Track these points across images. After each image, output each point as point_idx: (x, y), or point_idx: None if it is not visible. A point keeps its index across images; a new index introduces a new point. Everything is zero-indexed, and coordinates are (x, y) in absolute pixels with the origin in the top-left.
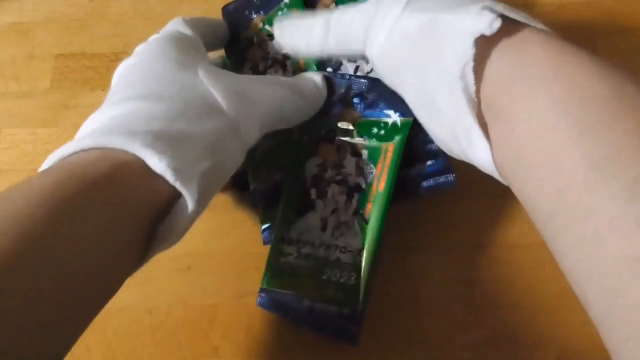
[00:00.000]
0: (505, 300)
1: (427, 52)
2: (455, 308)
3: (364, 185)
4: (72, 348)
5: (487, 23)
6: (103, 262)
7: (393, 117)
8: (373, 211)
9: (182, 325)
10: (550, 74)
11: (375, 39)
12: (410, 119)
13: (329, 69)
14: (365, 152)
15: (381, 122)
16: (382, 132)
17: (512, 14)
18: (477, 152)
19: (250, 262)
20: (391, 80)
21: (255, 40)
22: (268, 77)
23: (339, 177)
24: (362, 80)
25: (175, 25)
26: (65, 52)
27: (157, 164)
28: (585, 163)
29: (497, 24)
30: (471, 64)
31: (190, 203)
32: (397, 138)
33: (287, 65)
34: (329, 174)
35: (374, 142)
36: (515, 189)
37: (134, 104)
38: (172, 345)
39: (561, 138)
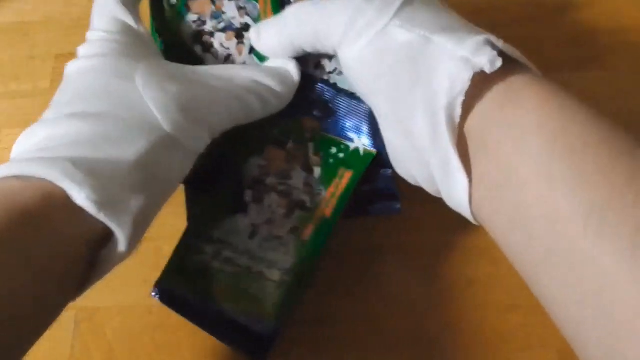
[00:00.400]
0: (504, 300)
1: (413, 71)
2: (454, 308)
3: (309, 205)
4: (72, 347)
5: (489, 60)
6: (29, 302)
7: (356, 142)
8: (314, 236)
9: (182, 325)
10: (542, 118)
11: (354, 42)
12: (374, 152)
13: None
14: (318, 171)
15: (342, 143)
16: (342, 155)
17: (509, 51)
18: (453, 186)
19: None
20: (362, 87)
21: None
22: (231, 70)
23: (282, 188)
24: (331, 89)
25: (116, 13)
26: (65, 52)
27: (77, 195)
28: (584, 211)
29: (499, 63)
30: (462, 97)
31: (120, 235)
32: (356, 167)
33: (245, 37)
34: (271, 180)
35: (330, 163)
36: (495, 232)
37: (65, 124)
38: (172, 345)
39: (556, 184)
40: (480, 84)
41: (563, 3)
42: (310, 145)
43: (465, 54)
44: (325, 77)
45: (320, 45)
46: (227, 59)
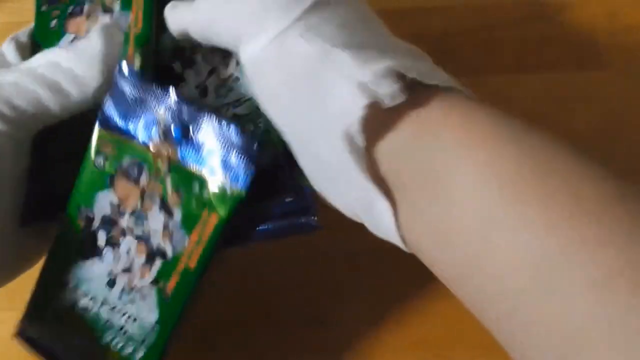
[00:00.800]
0: None
1: (309, 90)
2: (454, 309)
3: (170, 254)
4: None
5: (390, 93)
6: None
7: (221, 178)
8: (178, 290)
9: None
10: (463, 151)
11: (254, 40)
12: (243, 192)
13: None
14: (178, 213)
15: (205, 178)
16: (206, 193)
17: (428, 79)
18: (376, 215)
19: None
20: (260, 97)
21: (85, 9)
22: (39, 56)
23: (139, 232)
24: (191, 107)
25: (7, 48)
26: None
27: None
28: (529, 261)
29: (401, 99)
30: (358, 126)
31: None
32: (222, 210)
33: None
34: (127, 220)
35: (193, 204)
36: (439, 274)
37: None
38: None
39: (499, 226)
40: (390, 110)
41: (563, 3)
42: (168, 181)
43: (364, 79)
44: (219, 84)
45: (225, 37)
46: None
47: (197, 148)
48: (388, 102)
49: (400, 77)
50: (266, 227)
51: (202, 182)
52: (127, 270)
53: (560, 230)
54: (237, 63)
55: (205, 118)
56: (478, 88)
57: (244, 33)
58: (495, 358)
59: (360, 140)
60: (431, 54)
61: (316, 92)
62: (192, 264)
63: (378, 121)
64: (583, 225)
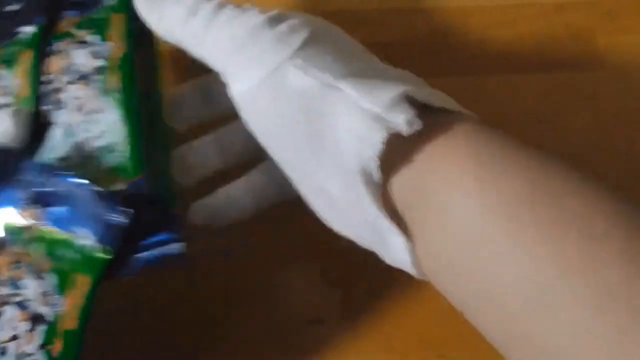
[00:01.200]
0: None
1: (311, 126)
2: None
3: (50, 318)
4: None
5: (406, 120)
6: None
7: (89, 239)
8: (64, 351)
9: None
10: (477, 179)
11: (244, 79)
12: (108, 257)
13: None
14: (52, 278)
15: (72, 241)
16: (76, 256)
17: (436, 101)
18: (390, 248)
19: None
20: (257, 134)
21: (62, 46)
22: None
23: (17, 299)
24: (43, 171)
25: None
26: None
27: None
28: (532, 287)
29: (418, 125)
30: (376, 161)
31: None
32: (93, 271)
33: (93, 80)
34: (3, 290)
35: (65, 268)
36: (450, 301)
37: None
38: None
39: (494, 253)
40: (403, 140)
41: (562, 3)
42: (36, 247)
43: (376, 109)
44: (85, 119)
45: (213, 61)
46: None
47: (64, 213)
48: (406, 131)
49: (410, 102)
50: (141, 256)
51: (71, 246)
52: (15, 338)
53: (557, 254)
54: (100, 95)
55: (70, 182)
56: (478, 88)
57: (234, 66)
58: (500, 359)
59: (377, 177)
60: (430, 54)
61: (321, 127)
62: (72, 325)
63: (391, 153)
64: (582, 248)
